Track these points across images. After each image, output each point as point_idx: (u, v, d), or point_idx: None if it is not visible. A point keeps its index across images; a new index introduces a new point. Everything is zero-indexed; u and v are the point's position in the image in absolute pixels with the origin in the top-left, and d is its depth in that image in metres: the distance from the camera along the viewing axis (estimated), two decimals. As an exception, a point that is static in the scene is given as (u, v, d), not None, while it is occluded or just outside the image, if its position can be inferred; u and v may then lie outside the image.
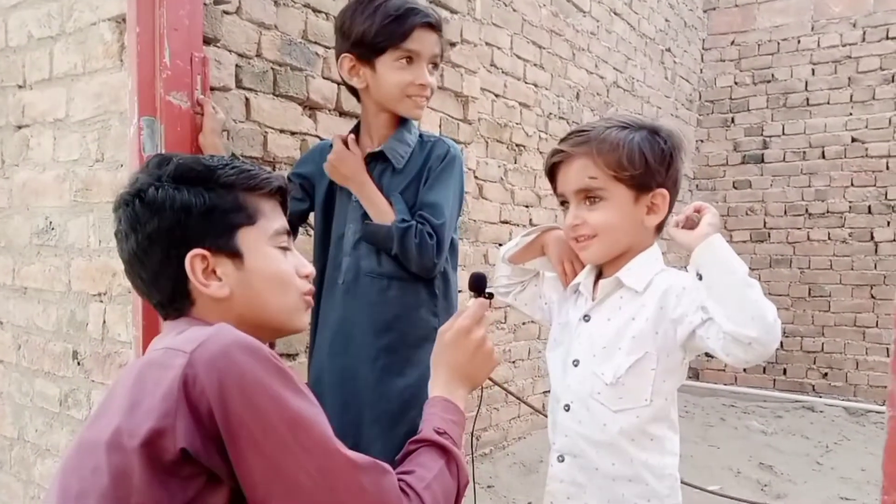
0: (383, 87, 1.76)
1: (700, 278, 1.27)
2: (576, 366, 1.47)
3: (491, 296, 1.36)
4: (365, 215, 1.78)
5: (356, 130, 1.89)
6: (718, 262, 1.24)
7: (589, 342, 1.46)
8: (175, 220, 1.05)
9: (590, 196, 1.42)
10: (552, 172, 1.49)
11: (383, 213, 1.74)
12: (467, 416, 1.22)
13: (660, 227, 1.48)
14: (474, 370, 1.26)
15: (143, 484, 0.88)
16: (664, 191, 1.42)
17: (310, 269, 1.21)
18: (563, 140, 1.47)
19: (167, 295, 1.09)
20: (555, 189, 1.51)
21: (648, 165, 1.40)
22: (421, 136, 1.84)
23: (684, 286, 1.36)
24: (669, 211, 1.46)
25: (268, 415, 0.91)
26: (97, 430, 0.94)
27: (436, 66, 1.78)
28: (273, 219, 1.16)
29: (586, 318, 1.48)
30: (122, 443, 0.89)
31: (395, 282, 1.75)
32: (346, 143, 1.81)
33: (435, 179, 1.76)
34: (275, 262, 1.14)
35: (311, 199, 1.93)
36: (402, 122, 1.82)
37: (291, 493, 0.92)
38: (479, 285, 1.35)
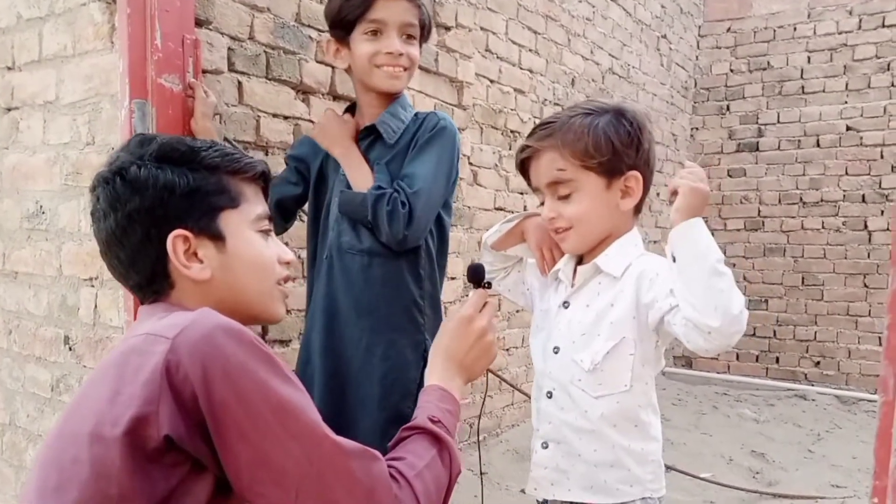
0: (356, 62, 1.75)
1: (675, 260, 1.26)
2: (556, 353, 1.48)
3: (489, 285, 1.36)
4: (348, 188, 1.75)
5: (351, 111, 1.88)
6: (691, 246, 1.24)
7: (568, 329, 1.46)
8: (157, 200, 1.04)
9: (561, 189, 1.42)
10: (523, 168, 1.49)
11: (363, 180, 1.72)
12: (469, 404, 1.21)
13: (638, 210, 1.48)
14: (472, 361, 1.25)
15: (124, 474, 0.86)
16: (636, 173, 1.41)
17: (290, 255, 1.20)
18: (529, 134, 1.47)
19: (146, 276, 1.07)
20: (529, 184, 1.51)
21: (615, 150, 1.39)
22: (416, 113, 1.82)
23: (658, 271, 1.36)
24: (646, 192, 1.45)
25: (253, 400, 0.89)
26: (76, 421, 0.92)
27: (411, 36, 1.74)
28: (255, 203, 1.14)
29: (565, 304, 1.49)
30: (103, 432, 0.87)
31: (376, 258, 1.73)
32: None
33: (419, 150, 1.73)
34: (257, 246, 1.13)
35: (307, 181, 1.91)
36: (396, 98, 1.79)
37: (278, 479, 0.91)
38: (477, 276, 1.35)
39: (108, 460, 0.86)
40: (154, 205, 1.03)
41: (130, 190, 1.03)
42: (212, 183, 1.08)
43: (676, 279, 1.26)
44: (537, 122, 4.42)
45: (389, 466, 1.01)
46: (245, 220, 1.11)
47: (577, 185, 1.40)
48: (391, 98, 1.79)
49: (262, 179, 1.17)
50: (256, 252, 1.13)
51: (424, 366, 1.73)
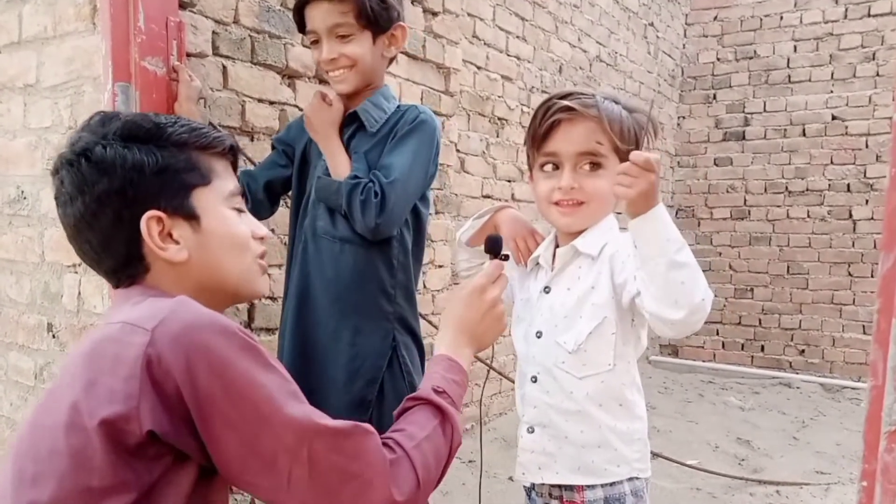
0: None
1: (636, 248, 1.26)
2: (539, 337, 1.48)
3: (506, 257, 1.36)
4: (327, 174, 1.76)
5: None
6: (648, 241, 1.21)
7: (550, 313, 1.47)
8: (127, 180, 1.00)
9: (593, 162, 1.41)
10: (550, 131, 1.42)
11: (341, 168, 1.72)
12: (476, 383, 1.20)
13: None
14: (483, 331, 1.24)
15: (106, 465, 0.84)
16: None
17: (265, 231, 1.18)
18: (563, 97, 1.42)
19: (120, 260, 1.04)
20: (539, 147, 1.45)
21: (637, 143, 1.42)
22: (399, 105, 1.82)
23: (630, 252, 1.35)
24: None
25: (239, 390, 0.88)
26: (52, 411, 0.90)
27: (344, 36, 1.68)
28: (227, 179, 1.11)
29: (546, 289, 1.50)
30: (81, 423, 0.86)
31: (348, 246, 1.73)
32: (324, 98, 1.80)
33: (398, 142, 1.73)
34: (232, 223, 1.10)
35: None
36: (377, 89, 1.80)
37: (269, 467, 0.90)
38: (494, 247, 1.35)
39: (89, 451, 0.85)
40: (124, 186, 1.00)
41: (97, 171, 1.00)
42: (181, 160, 1.04)
43: (639, 269, 1.25)
44: (525, 109, 4.37)
45: (388, 438, 1.00)
46: (218, 197, 1.09)
47: (606, 162, 1.40)
48: (364, 91, 1.78)
49: (232, 154, 1.14)
50: (232, 229, 1.10)
51: (392, 354, 1.74)
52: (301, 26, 1.75)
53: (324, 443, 0.92)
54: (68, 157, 1.02)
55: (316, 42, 1.73)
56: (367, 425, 0.97)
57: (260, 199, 1.88)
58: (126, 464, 0.85)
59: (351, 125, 1.79)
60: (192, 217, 1.05)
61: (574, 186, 1.41)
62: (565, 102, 1.40)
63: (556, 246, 1.51)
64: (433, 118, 1.78)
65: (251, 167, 2.10)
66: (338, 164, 1.73)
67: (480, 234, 1.63)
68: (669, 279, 1.19)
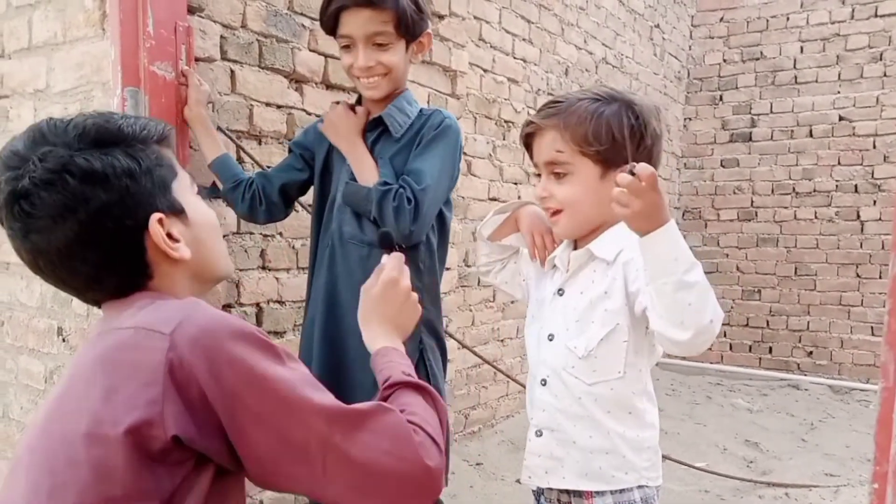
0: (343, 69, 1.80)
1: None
2: (550, 340, 1.48)
3: (401, 248, 1.38)
4: (353, 178, 1.77)
5: (360, 103, 1.88)
6: (655, 261, 1.19)
7: (563, 316, 1.46)
8: (123, 189, 0.96)
9: (557, 169, 1.43)
10: (527, 143, 1.50)
11: (369, 174, 1.73)
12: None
13: None
14: (404, 320, 1.27)
15: (129, 475, 0.84)
16: None
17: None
18: (537, 111, 1.47)
19: (127, 273, 1.00)
20: (532, 159, 1.52)
21: (615, 141, 1.37)
22: (421, 109, 1.83)
23: None
24: None
25: (263, 385, 0.88)
26: (67, 420, 0.89)
27: (382, 44, 1.70)
28: (180, 166, 1.10)
29: (560, 291, 1.49)
30: (103, 433, 0.85)
31: (375, 250, 1.72)
32: (350, 108, 1.81)
33: (424, 147, 1.74)
34: (205, 209, 1.11)
35: (311, 169, 1.92)
36: (400, 93, 1.80)
37: (303, 457, 0.90)
38: (387, 241, 1.39)
39: (110, 461, 0.84)
40: (122, 195, 0.96)
41: (90, 185, 0.94)
42: (154, 158, 1.01)
43: (647, 285, 1.23)
44: (531, 112, 4.39)
45: None
46: (186, 186, 1.08)
47: (572, 168, 1.41)
48: (388, 97, 1.79)
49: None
50: (207, 215, 1.11)
51: (420, 357, 1.74)
52: (331, 29, 1.74)
53: (352, 425, 0.92)
54: (43, 177, 0.93)
55: (347, 47, 1.73)
56: (387, 403, 0.99)
57: (275, 202, 1.89)
58: (149, 471, 0.85)
59: (374, 130, 1.80)
60: (180, 212, 1.04)
61: (544, 196, 1.45)
62: (530, 118, 1.47)
63: (575, 248, 1.50)
64: (456, 122, 1.80)
65: (259, 169, 2.11)
66: (365, 169, 1.74)
67: (502, 229, 1.64)
68: (677, 299, 1.17)
